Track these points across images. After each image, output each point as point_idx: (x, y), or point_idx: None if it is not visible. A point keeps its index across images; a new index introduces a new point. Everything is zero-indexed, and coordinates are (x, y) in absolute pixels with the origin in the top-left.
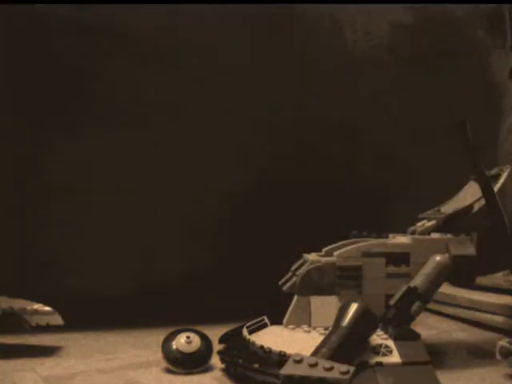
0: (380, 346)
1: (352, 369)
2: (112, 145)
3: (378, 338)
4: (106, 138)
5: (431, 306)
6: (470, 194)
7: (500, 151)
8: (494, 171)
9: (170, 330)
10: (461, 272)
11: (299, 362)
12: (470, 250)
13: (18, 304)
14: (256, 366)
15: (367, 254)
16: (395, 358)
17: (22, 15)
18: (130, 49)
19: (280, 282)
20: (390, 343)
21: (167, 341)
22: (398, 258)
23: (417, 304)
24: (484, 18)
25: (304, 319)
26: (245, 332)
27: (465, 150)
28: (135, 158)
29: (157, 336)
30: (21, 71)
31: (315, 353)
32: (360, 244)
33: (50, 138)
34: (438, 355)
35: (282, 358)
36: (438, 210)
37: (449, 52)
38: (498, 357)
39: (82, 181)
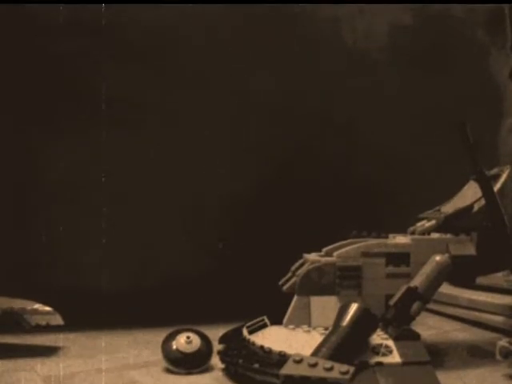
0: (380, 345)
1: (352, 369)
2: (112, 145)
3: (378, 337)
4: (106, 139)
5: (431, 306)
6: (469, 194)
7: (500, 151)
8: (494, 171)
9: (170, 330)
10: (461, 272)
11: (299, 362)
12: (470, 249)
13: (18, 304)
14: (256, 366)
15: (367, 254)
16: (395, 358)
17: (19, 15)
18: (130, 49)
19: (280, 282)
20: (390, 343)
21: (167, 341)
22: (398, 258)
23: (417, 304)
24: (484, 18)
25: (304, 319)
26: (245, 332)
27: (465, 150)
28: (135, 159)
29: (157, 336)
30: (20, 71)
31: (315, 353)
32: (360, 244)
33: (50, 138)
34: (438, 355)
35: (282, 358)
36: (438, 210)
37: (449, 52)
38: (498, 357)
39: (82, 181)
